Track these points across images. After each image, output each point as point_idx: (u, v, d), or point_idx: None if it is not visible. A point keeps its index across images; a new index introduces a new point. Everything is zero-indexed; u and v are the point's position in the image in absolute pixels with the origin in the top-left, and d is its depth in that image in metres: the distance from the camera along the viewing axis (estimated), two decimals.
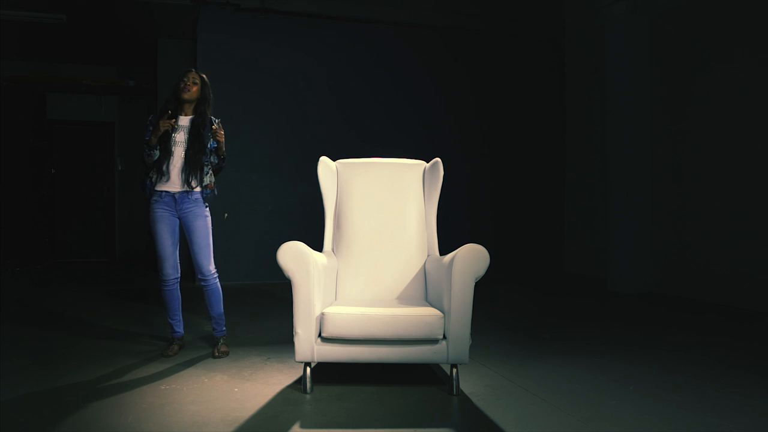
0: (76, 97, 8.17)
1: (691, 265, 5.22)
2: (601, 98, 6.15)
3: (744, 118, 4.77)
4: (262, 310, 4.55)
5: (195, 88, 3.14)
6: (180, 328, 3.26)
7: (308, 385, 2.56)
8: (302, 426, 2.20)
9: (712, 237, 5.04)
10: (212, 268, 3.20)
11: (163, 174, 3.09)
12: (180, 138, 3.12)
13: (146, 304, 4.77)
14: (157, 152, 3.08)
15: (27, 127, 7.34)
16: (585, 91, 6.77)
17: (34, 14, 5.86)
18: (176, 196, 3.13)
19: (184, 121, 3.16)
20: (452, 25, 6.74)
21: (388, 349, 2.53)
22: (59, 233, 8.17)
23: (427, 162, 3.34)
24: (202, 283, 3.20)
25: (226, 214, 5.91)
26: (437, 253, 3.16)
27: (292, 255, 2.54)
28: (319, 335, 2.57)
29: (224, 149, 3.21)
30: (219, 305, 3.24)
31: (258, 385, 2.67)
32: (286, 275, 2.56)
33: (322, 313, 2.52)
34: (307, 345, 2.53)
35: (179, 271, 3.22)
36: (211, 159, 3.20)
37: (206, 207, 3.20)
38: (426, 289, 3.07)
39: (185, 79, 3.12)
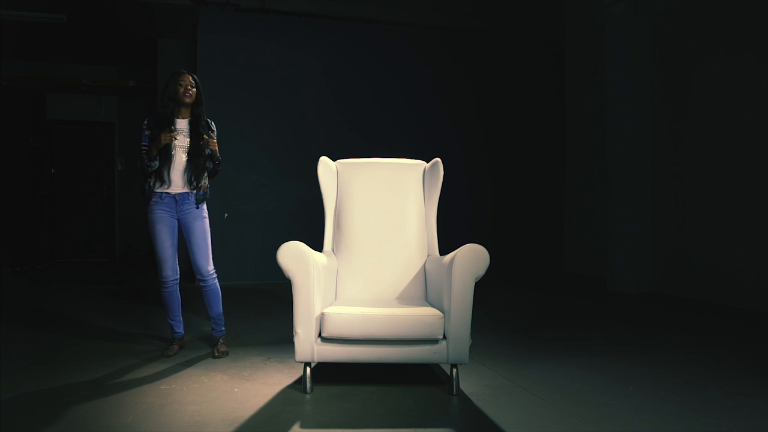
0: (76, 97, 8.18)
1: (691, 265, 5.22)
2: (601, 98, 6.15)
3: (744, 118, 4.77)
4: (262, 310, 4.55)
5: (194, 92, 3.14)
6: (180, 329, 3.26)
7: (308, 385, 2.56)
8: (302, 426, 2.20)
9: (711, 237, 5.04)
10: (211, 268, 3.20)
11: (164, 181, 3.10)
12: (180, 142, 3.12)
13: (146, 304, 4.77)
14: (157, 162, 3.08)
15: (27, 127, 7.34)
16: (585, 91, 6.77)
17: (34, 14, 5.86)
18: (177, 197, 3.14)
19: (182, 124, 3.16)
20: (452, 25, 6.74)
21: (388, 349, 2.54)
22: (59, 233, 8.17)
23: (427, 162, 3.34)
24: (201, 284, 3.20)
25: (225, 214, 5.91)
26: (437, 253, 3.16)
27: (292, 255, 2.55)
28: (319, 335, 2.57)
29: (218, 154, 3.22)
30: (218, 305, 3.25)
31: (258, 385, 2.67)
32: (286, 275, 2.56)
33: (322, 313, 2.52)
34: (307, 345, 2.53)
35: (178, 273, 3.22)
36: (207, 165, 3.20)
37: (205, 207, 3.21)
38: (426, 289, 3.07)
39: (182, 83, 3.11)
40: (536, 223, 7.01)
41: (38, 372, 2.86)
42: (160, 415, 2.27)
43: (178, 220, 3.17)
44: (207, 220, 3.21)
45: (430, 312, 2.53)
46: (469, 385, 2.68)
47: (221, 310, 3.27)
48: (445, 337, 2.55)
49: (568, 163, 7.11)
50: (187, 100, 3.12)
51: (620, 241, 5.61)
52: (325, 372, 2.85)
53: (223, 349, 3.19)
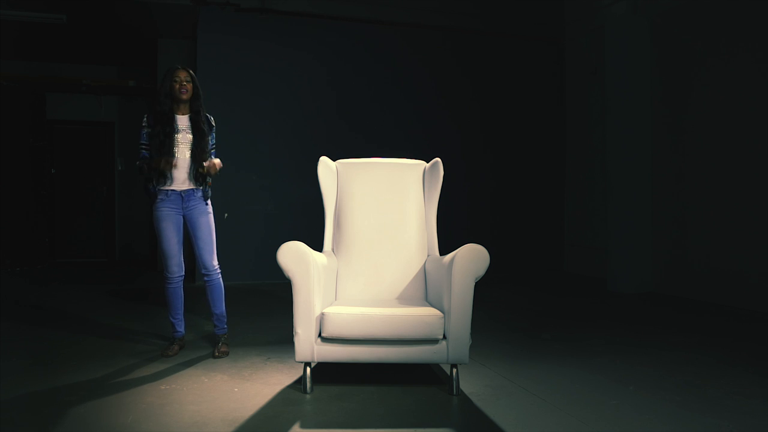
0: (76, 97, 8.17)
1: (691, 265, 5.22)
2: (601, 98, 6.15)
3: (744, 118, 4.77)
4: (262, 310, 4.55)
5: (190, 87, 3.14)
6: (181, 328, 3.27)
7: (308, 385, 2.56)
8: (302, 426, 2.20)
9: (712, 237, 5.04)
10: (216, 263, 3.23)
11: (167, 177, 3.10)
12: (182, 139, 3.12)
13: (146, 304, 4.77)
14: (146, 130, 3.11)
15: (27, 127, 7.34)
16: (585, 91, 6.77)
17: (34, 14, 5.85)
18: (183, 194, 3.15)
19: (182, 120, 3.16)
20: (452, 25, 6.74)
21: (388, 349, 2.54)
22: (59, 233, 8.17)
23: (427, 162, 3.34)
24: (205, 278, 3.22)
25: (225, 214, 5.91)
26: (437, 253, 3.16)
27: (292, 255, 2.55)
28: (319, 335, 2.57)
29: (217, 170, 3.18)
30: (221, 302, 3.26)
31: (258, 385, 2.67)
32: (286, 275, 2.56)
33: (322, 313, 2.52)
34: (307, 345, 2.53)
35: (184, 269, 3.23)
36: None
37: (210, 203, 3.22)
38: (426, 289, 3.07)
39: (177, 79, 3.11)
40: (536, 223, 7.01)
41: (38, 372, 2.86)
42: (160, 415, 2.27)
43: (184, 216, 3.18)
44: (212, 216, 3.23)
45: (430, 312, 2.54)
46: (469, 385, 2.68)
47: (224, 309, 3.28)
48: (445, 337, 2.55)
49: (568, 163, 7.11)
50: (183, 96, 3.12)
51: (620, 241, 5.61)
52: (325, 372, 2.85)
53: (223, 349, 3.19)
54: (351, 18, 6.37)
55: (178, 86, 3.10)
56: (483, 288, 3.20)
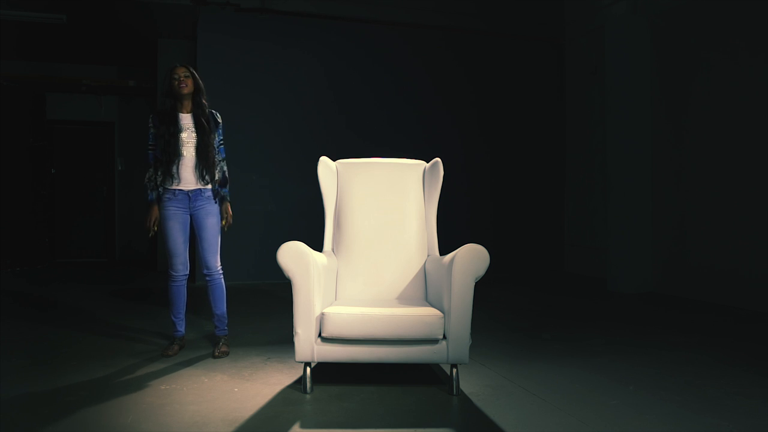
0: (76, 97, 8.17)
1: (691, 265, 5.22)
2: (601, 98, 6.15)
3: (744, 118, 4.77)
4: (262, 310, 4.55)
5: (189, 81, 3.14)
6: (182, 328, 3.26)
7: (308, 385, 2.56)
8: (302, 426, 2.20)
9: (712, 237, 5.04)
10: (218, 264, 3.24)
11: (174, 177, 3.10)
12: (187, 137, 3.12)
13: (146, 304, 4.77)
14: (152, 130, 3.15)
15: (27, 127, 7.34)
16: (585, 91, 6.77)
17: (34, 14, 5.85)
18: (190, 193, 3.15)
19: (186, 119, 3.16)
20: (452, 25, 6.74)
21: (388, 349, 2.54)
22: (59, 233, 8.17)
23: (427, 162, 3.34)
24: (207, 278, 3.22)
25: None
26: (437, 253, 3.16)
27: (292, 255, 2.55)
28: (319, 335, 2.57)
29: (229, 210, 3.31)
30: (222, 302, 3.26)
31: (258, 385, 2.67)
32: (286, 275, 2.56)
33: (322, 313, 2.52)
34: (307, 345, 2.53)
35: (188, 268, 3.23)
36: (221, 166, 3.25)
37: (217, 204, 3.22)
38: (426, 289, 3.07)
39: (176, 76, 3.12)
40: (536, 223, 7.01)
41: (38, 372, 2.86)
42: (160, 415, 2.27)
43: (191, 216, 3.18)
44: (219, 217, 3.23)
45: (430, 312, 2.53)
46: (469, 385, 2.68)
47: (225, 310, 3.28)
48: (445, 337, 2.55)
49: (568, 163, 7.11)
50: (184, 91, 3.11)
51: (620, 241, 5.61)
52: (325, 372, 2.85)
53: (223, 349, 3.19)
54: (351, 18, 6.37)
55: (177, 82, 3.11)
56: (483, 288, 3.20)
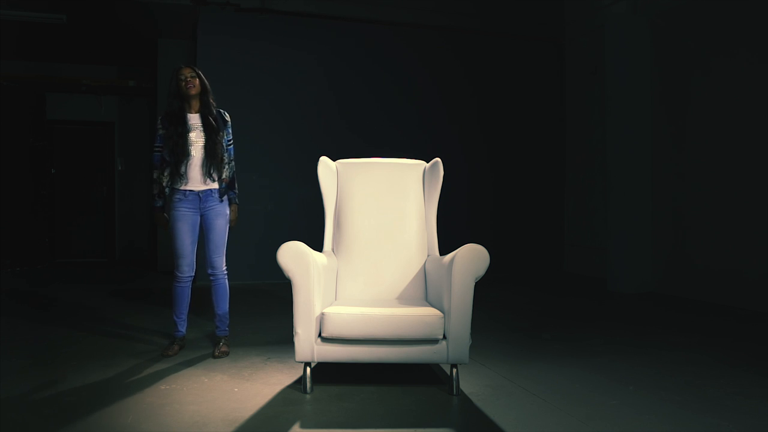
0: (76, 97, 8.17)
1: (691, 265, 5.22)
2: (601, 98, 6.15)
3: (744, 118, 4.77)
4: (262, 310, 4.55)
5: (196, 82, 3.15)
6: (183, 328, 3.26)
7: (308, 385, 2.56)
8: (302, 426, 2.20)
9: (712, 237, 5.04)
10: (224, 265, 3.25)
11: (182, 177, 3.10)
12: (195, 137, 3.13)
13: (146, 304, 4.77)
14: (161, 132, 3.15)
15: (27, 127, 7.34)
16: (585, 91, 6.77)
17: (34, 14, 5.85)
18: (200, 194, 3.15)
19: (194, 119, 3.17)
20: (452, 25, 6.74)
21: (388, 349, 2.53)
22: (59, 233, 8.17)
23: (427, 162, 3.34)
24: (211, 278, 3.23)
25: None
26: (437, 253, 3.16)
27: (292, 255, 2.55)
28: (319, 335, 2.57)
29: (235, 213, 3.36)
30: (225, 303, 3.26)
31: (258, 385, 2.67)
32: (286, 275, 2.56)
33: (322, 313, 2.52)
34: (307, 345, 2.53)
35: (194, 270, 3.23)
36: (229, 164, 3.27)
37: (227, 205, 3.23)
38: (426, 289, 3.07)
39: (182, 77, 3.13)
40: (536, 223, 7.01)
41: (38, 372, 2.86)
42: (160, 415, 2.27)
43: (201, 216, 3.19)
44: (228, 218, 3.25)
45: (430, 312, 2.53)
46: (469, 385, 2.68)
47: (227, 310, 3.28)
48: (445, 337, 2.55)
49: (568, 163, 7.11)
50: (192, 91, 3.13)
51: (620, 241, 5.61)
52: (325, 372, 2.85)
53: (223, 349, 3.19)
54: (351, 18, 6.37)
55: (184, 83, 3.12)
56: (483, 288, 3.20)
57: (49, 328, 3.85)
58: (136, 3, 5.69)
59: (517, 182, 6.95)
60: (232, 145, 3.29)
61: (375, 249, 3.10)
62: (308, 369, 2.58)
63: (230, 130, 3.29)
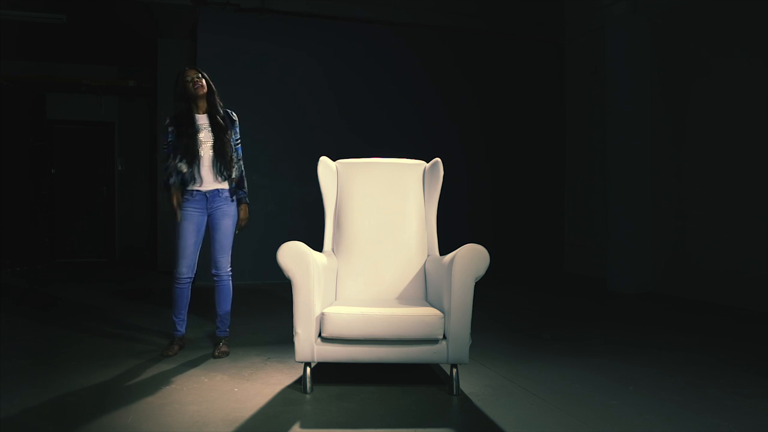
0: (76, 97, 8.17)
1: (691, 265, 5.22)
2: (601, 98, 6.15)
3: (744, 118, 4.77)
4: (262, 310, 4.55)
5: (203, 82, 3.16)
6: (182, 328, 3.26)
7: (308, 385, 2.56)
8: (302, 426, 2.20)
9: (712, 237, 5.04)
10: (228, 266, 3.26)
11: (195, 179, 3.11)
12: (204, 137, 3.14)
13: (146, 304, 4.77)
14: (183, 165, 3.10)
15: (27, 127, 7.34)
16: (585, 91, 6.77)
17: (34, 14, 5.85)
18: (208, 194, 3.15)
19: (202, 119, 3.17)
20: (452, 25, 6.74)
21: (388, 349, 2.53)
22: (59, 233, 8.17)
23: (427, 162, 3.34)
24: (215, 278, 3.23)
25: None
26: (437, 253, 3.16)
27: (292, 255, 2.55)
28: (319, 335, 2.57)
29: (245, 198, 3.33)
30: (227, 303, 3.27)
31: (258, 385, 2.67)
32: (286, 275, 2.56)
33: (322, 313, 2.52)
34: (307, 345, 2.53)
35: (194, 272, 3.22)
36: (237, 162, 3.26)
37: (235, 204, 3.24)
38: (426, 289, 3.07)
39: (188, 79, 3.13)
40: (536, 223, 7.01)
41: (38, 372, 2.86)
42: (160, 415, 2.27)
43: (208, 216, 3.19)
44: (235, 219, 3.26)
45: (430, 312, 2.53)
46: (469, 385, 2.68)
47: (229, 310, 3.29)
48: (445, 337, 2.55)
49: (568, 163, 7.11)
50: (201, 92, 3.14)
51: (620, 241, 5.61)
52: (325, 372, 2.85)
53: (223, 349, 3.19)
54: (351, 18, 6.37)
55: (191, 84, 3.12)
56: (483, 288, 3.20)
57: (49, 328, 3.85)
58: (136, 3, 5.69)
59: (517, 182, 6.95)
60: (240, 145, 3.29)
61: (375, 249, 3.10)
62: (308, 369, 2.57)
63: (238, 130, 3.29)
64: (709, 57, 5.08)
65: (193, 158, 3.10)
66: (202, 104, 3.19)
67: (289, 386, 2.65)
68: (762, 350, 3.38)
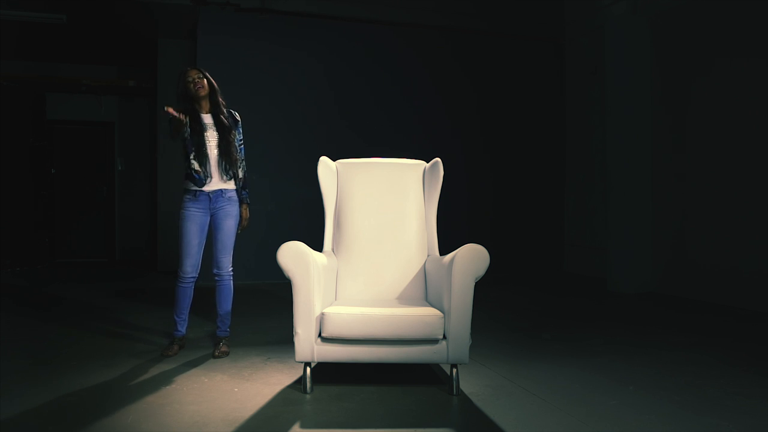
0: (76, 97, 8.17)
1: (691, 265, 5.22)
2: (601, 98, 6.15)
3: (744, 118, 4.77)
4: (262, 310, 4.55)
5: (204, 83, 3.15)
6: (183, 328, 3.26)
7: (308, 385, 2.56)
8: (302, 426, 2.20)
9: (712, 237, 5.04)
10: (230, 266, 3.27)
11: (207, 176, 3.12)
12: (210, 136, 3.14)
13: (146, 304, 4.77)
14: (188, 129, 3.07)
15: (27, 127, 7.34)
16: (585, 91, 6.77)
17: (34, 14, 5.85)
18: (211, 195, 3.16)
19: (207, 119, 3.18)
20: (452, 25, 6.74)
21: (388, 349, 2.54)
22: (59, 233, 8.17)
23: (427, 162, 3.34)
24: (216, 278, 3.24)
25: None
26: (437, 253, 3.16)
27: (292, 255, 2.55)
28: (319, 335, 2.57)
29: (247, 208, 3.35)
30: (228, 303, 3.28)
31: (258, 385, 2.67)
32: (286, 275, 2.56)
33: (322, 313, 2.53)
34: (307, 345, 2.53)
35: (198, 271, 3.22)
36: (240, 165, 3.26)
37: (237, 204, 3.25)
38: (426, 289, 3.07)
39: (189, 79, 3.13)
40: (536, 223, 7.01)
41: (38, 372, 2.86)
42: (160, 415, 2.27)
43: (211, 216, 3.19)
44: (237, 219, 3.26)
45: (430, 312, 2.53)
46: (469, 385, 2.68)
47: (230, 310, 3.29)
48: (445, 337, 2.55)
49: (568, 163, 7.11)
50: (201, 93, 3.14)
51: (620, 241, 5.61)
52: (325, 372, 2.85)
53: (223, 349, 3.19)
54: (351, 18, 6.37)
55: (192, 85, 3.12)
56: (483, 288, 3.20)
57: (49, 327, 3.85)
58: (136, 3, 5.69)
59: (517, 182, 6.95)
60: (242, 145, 3.29)
61: (375, 249, 3.10)
62: (308, 369, 2.58)
63: (241, 130, 3.30)
64: (709, 57, 5.08)
65: (203, 157, 3.10)
66: (205, 104, 3.19)
67: (289, 386, 2.65)
68: (762, 350, 3.38)
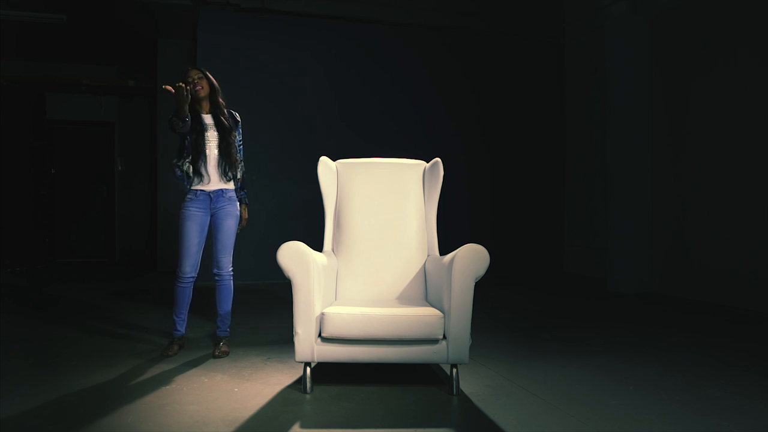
0: (76, 97, 8.17)
1: (691, 265, 5.22)
2: (601, 98, 6.15)
3: (744, 119, 4.77)
4: (262, 310, 4.55)
5: (204, 83, 3.16)
6: (182, 328, 3.26)
7: (308, 385, 2.56)
8: (302, 426, 2.20)
9: (711, 237, 5.04)
10: (230, 266, 3.27)
11: (203, 176, 3.13)
12: (211, 136, 3.14)
13: (146, 304, 4.77)
14: (189, 121, 3.03)
15: (27, 127, 7.34)
16: (585, 91, 6.77)
17: (34, 14, 5.86)
18: (212, 194, 3.16)
19: (207, 119, 3.18)
20: (452, 25, 6.74)
21: (388, 349, 2.53)
22: (59, 233, 8.17)
23: (427, 162, 3.34)
24: (216, 278, 3.24)
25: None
26: (437, 253, 3.16)
27: (292, 255, 2.55)
28: (319, 335, 2.57)
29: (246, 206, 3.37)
30: (228, 303, 3.28)
31: (258, 385, 2.67)
32: (286, 275, 2.56)
33: (322, 313, 2.52)
34: (307, 345, 2.53)
35: (197, 271, 3.22)
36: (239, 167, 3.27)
37: (238, 204, 3.26)
38: (426, 289, 3.07)
39: (189, 79, 3.13)
40: (536, 223, 7.01)
41: (38, 372, 2.86)
42: (160, 415, 2.27)
43: (211, 216, 3.20)
44: (237, 219, 3.27)
45: (430, 312, 2.53)
46: (469, 385, 2.68)
47: (230, 310, 3.29)
48: (445, 337, 2.55)
49: (568, 163, 7.11)
50: (201, 93, 3.15)
51: (620, 241, 5.61)
52: (325, 372, 2.85)
53: (224, 349, 3.19)
54: (351, 18, 6.37)
55: (191, 86, 3.11)
56: (483, 288, 3.20)
57: (49, 327, 3.85)
58: (136, 3, 5.69)
59: (517, 182, 6.95)
60: (242, 146, 3.29)
61: (375, 249, 3.10)
62: (308, 369, 2.58)
63: (241, 131, 3.30)
64: (709, 57, 5.08)
65: (200, 155, 3.10)
66: (205, 104, 3.20)
67: (289, 386, 2.65)
68: (762, 350, 3.38)
